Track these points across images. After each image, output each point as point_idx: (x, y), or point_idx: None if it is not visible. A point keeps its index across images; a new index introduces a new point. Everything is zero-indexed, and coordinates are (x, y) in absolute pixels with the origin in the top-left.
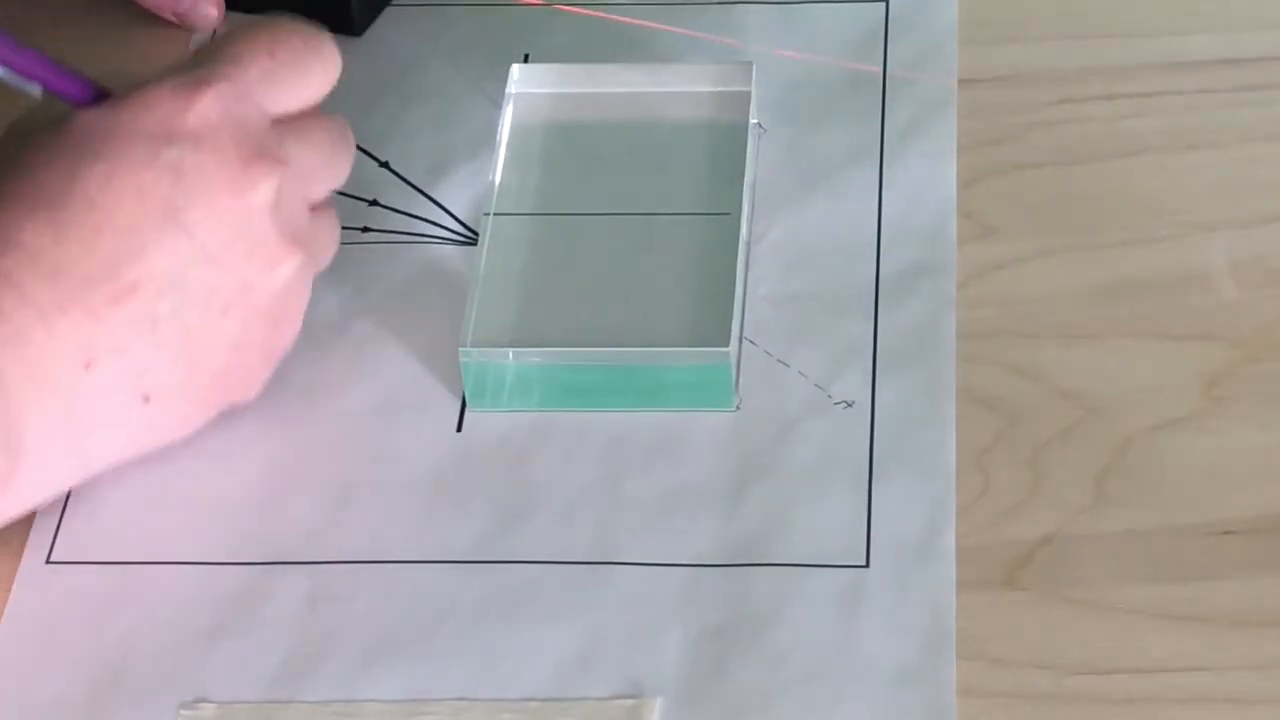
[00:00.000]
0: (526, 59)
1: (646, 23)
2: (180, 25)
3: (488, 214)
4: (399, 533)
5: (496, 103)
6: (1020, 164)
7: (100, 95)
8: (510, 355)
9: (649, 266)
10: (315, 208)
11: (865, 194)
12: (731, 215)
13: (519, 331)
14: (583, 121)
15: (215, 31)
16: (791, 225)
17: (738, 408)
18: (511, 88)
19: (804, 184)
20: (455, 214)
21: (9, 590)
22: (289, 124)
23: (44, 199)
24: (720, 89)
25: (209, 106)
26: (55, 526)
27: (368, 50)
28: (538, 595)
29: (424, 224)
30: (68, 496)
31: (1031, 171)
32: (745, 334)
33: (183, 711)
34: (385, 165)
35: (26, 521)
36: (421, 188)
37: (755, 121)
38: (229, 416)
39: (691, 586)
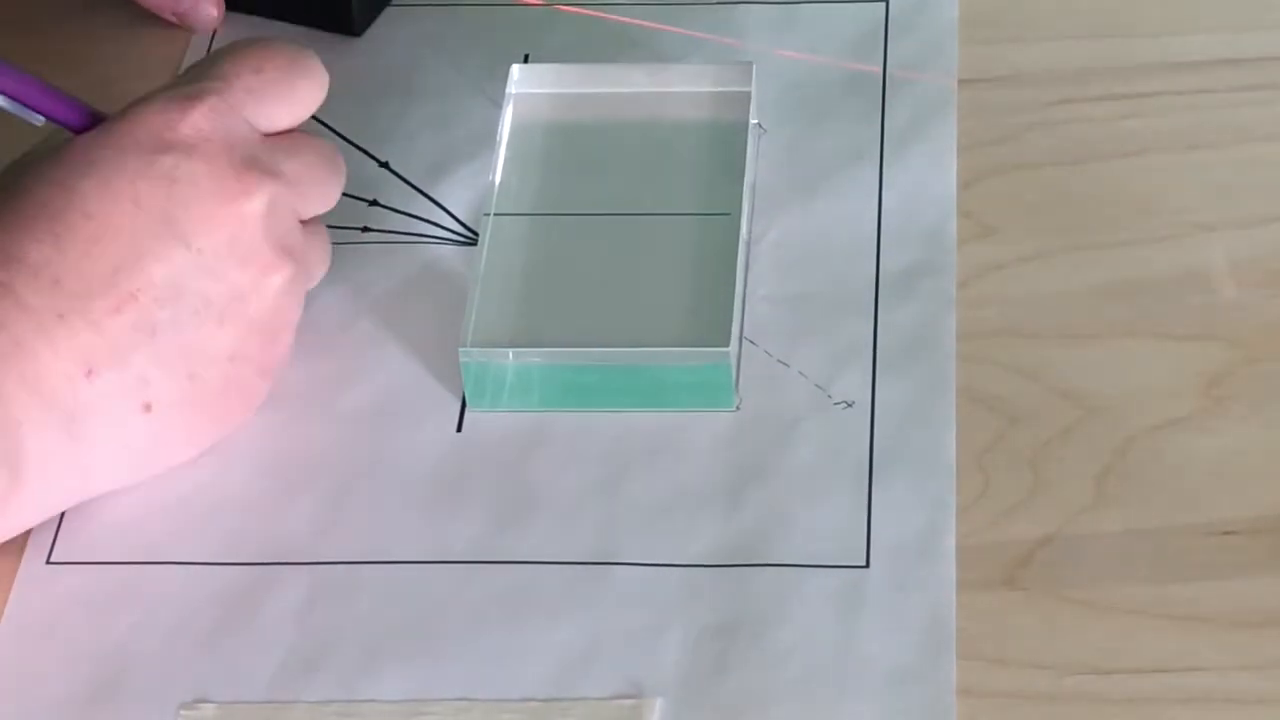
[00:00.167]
0: (527, 59)
1: (646, 23)
2: (180, 25)
3: (488, 214)
4: (399, 533)
5: (496, 103)
6: (1020, 164)
7: (97, 120)
8: (510, 355)
9: (649, 266)
10: (306, 224)
11: (865, 194)
12: (731, 215)
13: (519, 331)
14: (583, 122)
15: (215, 32)
16: (791, 225)
17: (738, 408)
18: (511, 88)
19: (804, 184)
20: (455, 214)
21: (9, 590)
22: (279, 140)
23: (41, 214)
24: (720, 89)
25: (201, 118)
26: (55, 526)
27: (368, 50)
28: (538, 595)
29: (424, 224)
30: None
31: (1031, 171)
32: (745, 334)
33: (183, 712)
34: (385, 165)
35: None
36: (421, 188)
37: (755, 121)
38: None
39: (691, 586)
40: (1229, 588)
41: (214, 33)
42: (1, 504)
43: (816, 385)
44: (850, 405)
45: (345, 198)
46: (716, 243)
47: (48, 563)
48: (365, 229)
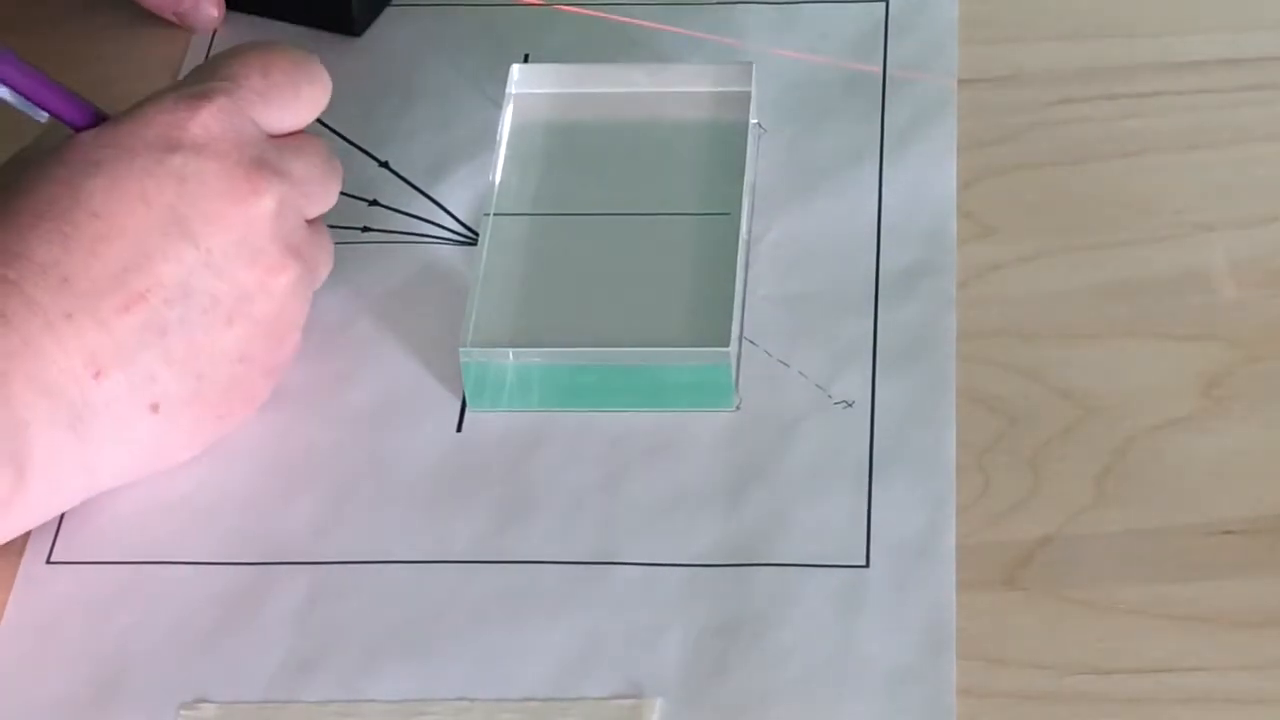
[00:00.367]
0: (526, 59)
1: (646, 23)
2: (181, 25)
3: (488, 214)
4: (399, 532)
5: (496, 103)
6: (1020, 164)
7: (102, 120)
8: (510, 355)
9: (649, 266)
10: (309, 224)
11: (865, 194)
12: (731, 215)
13: (519, 331)
14: (582, 122)
15: (215, 32)
16: (791, 225)
17: (738, 408)
18: (511, 88)
19: (804, 184)
20: (455, 214)
21: (9, 590)
22: (284, 140)
23: (48, 212)
24: (720, 89)
25: (209, 118)
26: (55, 526)
27: (368, 50)
28: (538, 595)
29: (424, 224)
30: None
31: (1031, 171)
32: (745, 334)
33: (183, 712)
34: (385, 165)
35: None
36: (421, 188)
37: (755, 121)
38: None
39: (691, 586)
40: (1229, 587)
41: (214, 33)
42: (6, 503)
43: (816, 385)
44: (850, 405)
45: (345, 197)
46: (716, 243)
47: (48, 563)
48: (365, 229)
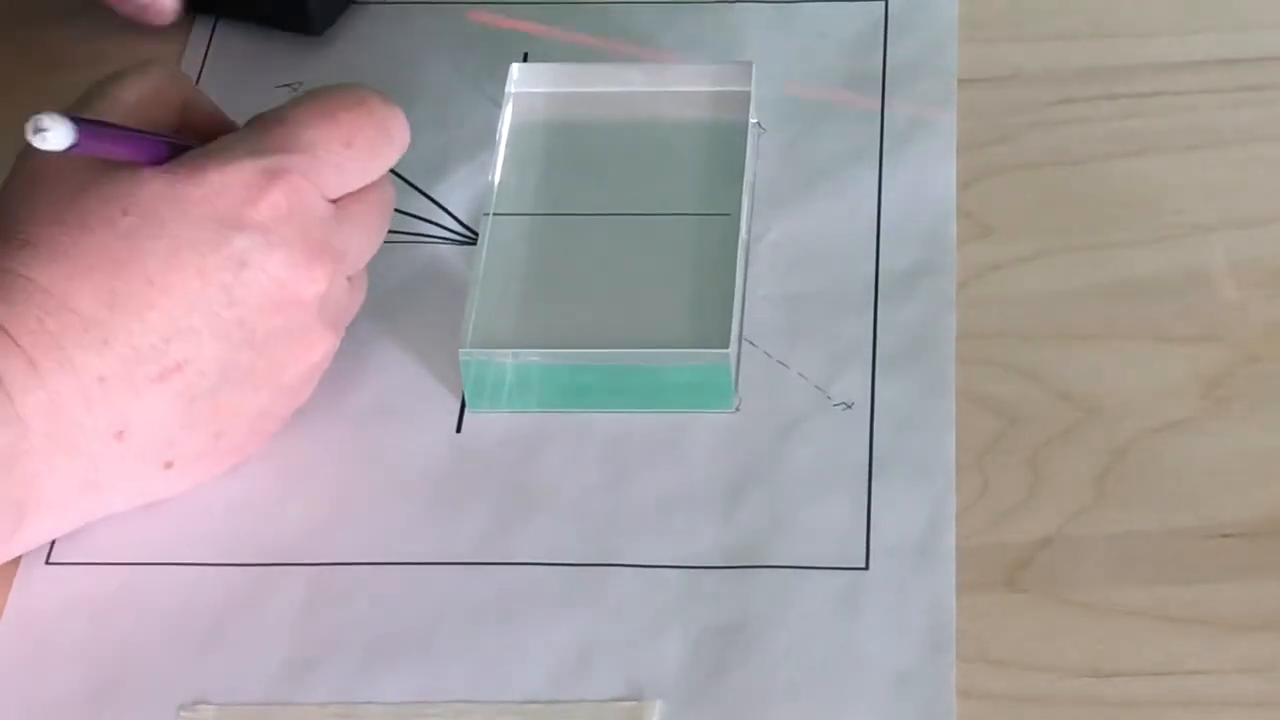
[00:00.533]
0: (526, 58)
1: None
2: (141, 22)
3: (487, 214)
4: (398, 534)
5: (496, 102)
6: (1020, 164)
7: (175, 150)
8: (510, 356)
9: (649, 267)
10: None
11: (865, 194)
12: (731, 216)
13: (519, 332)
14: (582, 121)
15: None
16: (791, 225)
17: (737, 409)
18: (511, 87)
19: (804, 184)
20: (455, 214)
21: (9, 590)
22: (345, 205)
23: (101, 264)
24: (720, 88)
25: (280, 198)
26: None
27: (367, 49)
28: (537, 597)
29: (424, 224)
30: None
31: (1031, 171)
32: (745, 335)
33: (182, 713)
34: None
35: None
36: (421, 188)
37: (755, 121)
38: None
39: (691, 588)
40: (1229, 590)
41: (211, 33)
42: (7, 539)
43: (816, 386)
44: (850, 406)
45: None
46: (716, 243)
47: (47, 563)
48: None
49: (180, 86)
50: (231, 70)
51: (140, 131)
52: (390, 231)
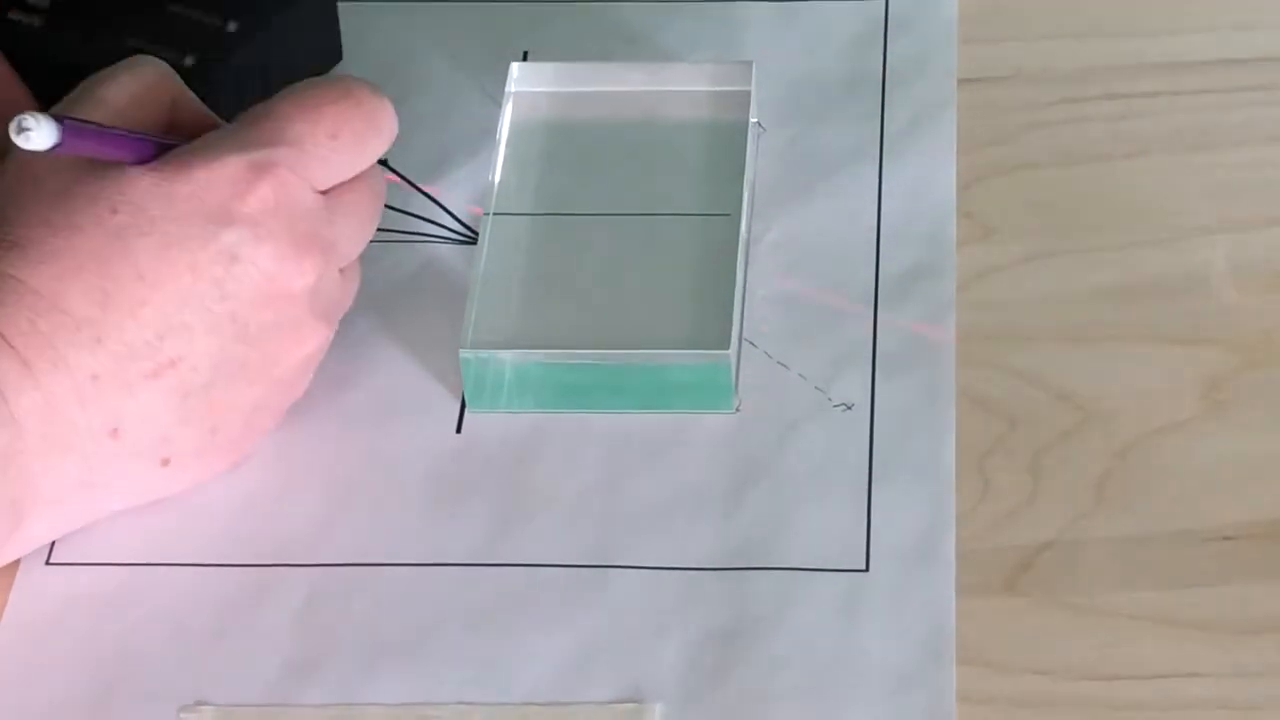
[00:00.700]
0: (526, 56)
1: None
2: None
3: (488, 213)
4: (398, 535)
5: (496, 100)
6: (1020, 164)
7: (162, 149)
8: (510, 356)
9: (649, 267)
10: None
11: (865, 194)
12: (731, 216)
13: (519, 332)
14: (582, 120)
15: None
16: (791, 225)
17: (737, 410)
18: (511, 86)
19: (804, 184)
20: (455, 213)
21: (9, 591)
22: (335, 196)
23: (91, 263)
24: (720, 88)
25: (269, 191)
26: None
27: (366, 47)
28: (537, 599)
29: (423, 223)
30: None
31: (1031, 172)
32: (745, 335)
33: (183, 714)
34: (384, 164)
35: None
36: (421, 186)
37: (755, 121)
38: None
39: (691, 590)
40: (1229, 593)
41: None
42: (5, 540)
43: (816, 387)
44: (850, 408)
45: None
46: (717, 243)
47: (47, 563)
48: None
49: (169, 85)
50: None
51: (127, 131)
52: (390, 231)
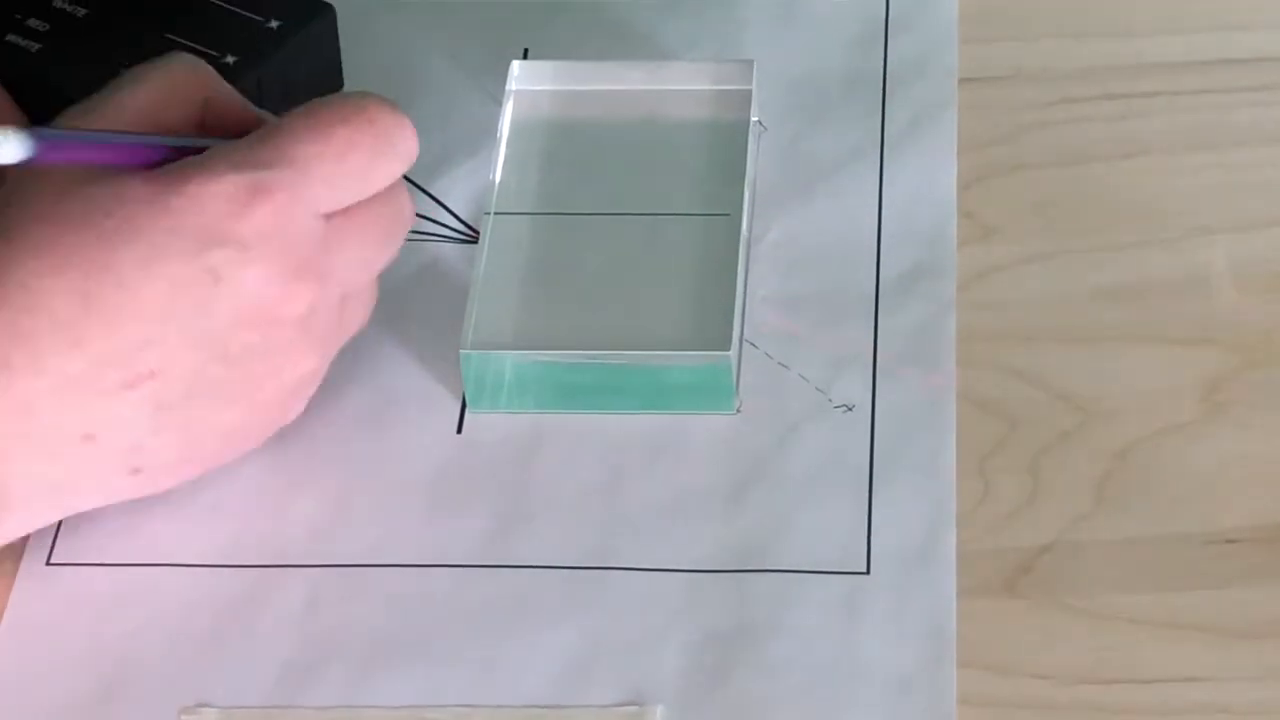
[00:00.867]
0: (526, 54)
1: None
2: None
3: (488, 213)
4: (399, 536)
5: (496, 99)
6: (1020, 164)
7: (179, 152)
8: (510, 356)
9: (650, 268)
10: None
11: (865, 194)
12: (732, 216)
13: (519, 332)
14: (583, 119)
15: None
16: (791, 225)
17: (738, 411)
18: (511, 84)
19: (804, 184)
20: (455, 212)
21: (9, 591)
22: (342, 220)
23: (75, 263)
24: (721, 87)
25: (265, 216)
26: (55, 528)
27: (366, 46)
28: (538, 600)
29: (424, 222)
30: None
31: (1031, 172)
32: (745, 336)
33: (184, 716)
34: None
35: None
36: (421, 185)
37: (756, 120)
38: None
39: (692, 592)
40: (1230, 596)
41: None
42: None
43: (817, 388)
44: (850, 409)
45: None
46: (717, 244)
47: (48, 564)
48: None
49: (202, 82)
50: None
51: (136, 136)
52: None
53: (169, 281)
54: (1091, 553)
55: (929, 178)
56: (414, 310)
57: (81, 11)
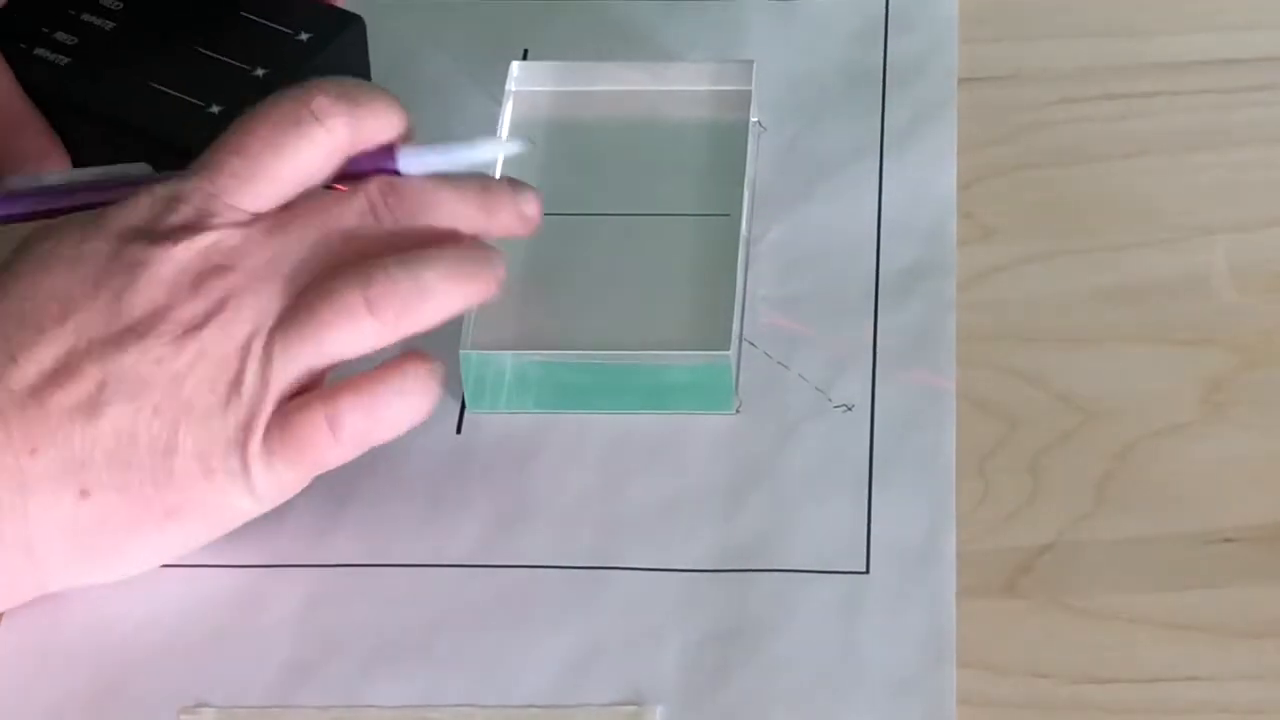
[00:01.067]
0: (525, 55)
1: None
2: None
3: None
4: (398, 536)
5: (496, 99)
6: (1020, 164)
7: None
8: (510, 356)
9: (649, 268)
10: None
11: (865, 194)
12: (731, 216)
13: (519, 332)
14: (582, 120)
15: None
16: (791, 225)
17: (737, 411)
18: (511, 85)
19: (804, 183)
20: None
21: None
22: (276, 219)
23: (16, 281)
24: (721, 87)
25: (178, 219)
26: None
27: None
28: (537, 600)
29: None
30: None
31: (1031, 172)
32: (745, 336)
33: (183, 716)
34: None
35: None
36: None
37: (755, 120)
38: None
39: (691, 592)
40: (1230, 596)
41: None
42: None
43: (816, 388)
44: (850, 409)
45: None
46: (717, 244)
47: None
48: None
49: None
50: None
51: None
52: None
53: (93, 283)
54: (1091, 553)
55: (929, 177)
56: None
57: (109, 25)
